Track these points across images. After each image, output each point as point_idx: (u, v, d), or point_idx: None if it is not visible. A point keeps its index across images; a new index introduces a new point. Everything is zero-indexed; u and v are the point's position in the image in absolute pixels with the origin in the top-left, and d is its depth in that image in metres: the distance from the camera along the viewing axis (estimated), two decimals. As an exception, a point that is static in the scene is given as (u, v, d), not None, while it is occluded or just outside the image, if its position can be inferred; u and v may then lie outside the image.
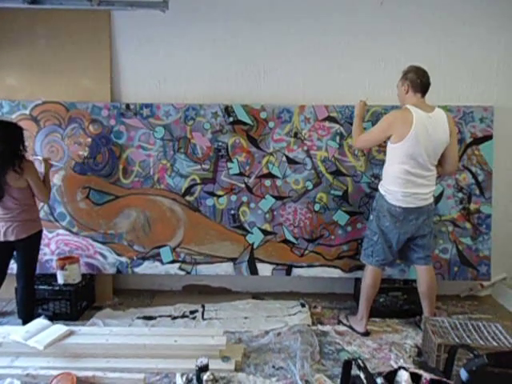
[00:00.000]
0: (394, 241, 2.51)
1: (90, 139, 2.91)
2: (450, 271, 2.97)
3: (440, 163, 2.48)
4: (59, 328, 2.34)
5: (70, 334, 2.33)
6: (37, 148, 2.93)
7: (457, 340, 2.16)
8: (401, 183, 2.41)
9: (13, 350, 2.25)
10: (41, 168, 2.66)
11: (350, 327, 2.70)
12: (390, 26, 3.00)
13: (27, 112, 2.92)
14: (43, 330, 2.33)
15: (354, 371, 1.59)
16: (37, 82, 2.99)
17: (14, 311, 2.85)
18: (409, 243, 2.56)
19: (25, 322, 2.52)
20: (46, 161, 2.68)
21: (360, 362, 1.47)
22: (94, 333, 2.38)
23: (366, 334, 2.63)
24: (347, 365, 1.57)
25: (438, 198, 2.89)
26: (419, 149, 2.33)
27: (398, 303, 2.89)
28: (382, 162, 2.81)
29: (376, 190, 2.78)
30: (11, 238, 2.46)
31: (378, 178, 2.89)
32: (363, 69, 3.03)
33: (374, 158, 2.92)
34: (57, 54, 2.98)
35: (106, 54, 3.01)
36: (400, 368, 1.50)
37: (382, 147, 2.86)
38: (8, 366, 2.19)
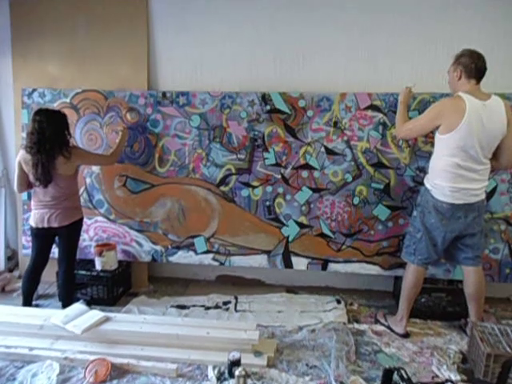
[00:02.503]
0: (439, 239, 2.35)
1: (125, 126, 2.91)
2: (500, 273, 2.75)
3: (495, 156, 2.27)
4: (96, 314, 2.39)
5: (106, 320, 2.36)
6: (76, 136, 2.98)
7: (508, 349, 1.99)
8: (449, 177, 2.23)
9: (53, 332, 2.32)
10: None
11: (389, 327, 2.58)
12: (440, 5, 2.76)
13: (68, 100, 2.97)
14: (81, 315, 2.38)
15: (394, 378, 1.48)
16: (77, 71, 3.03)
17: (55, 294, 2.96)
18: (456, 242, 2.39)
19: (64, 305, 2.60)
20: (124, 129, 2.84)
21: (403, 372, 1.37)
22: (129, 320, 2.41)
23: (406, 335, 2.49)
24: (388, 374, 1.47)
25: (490, 194, 2.67)
26: (471, 140, 2.14)
27: (441, 304, 2.72)
28: (429, 155, 2.65)
29: (421, 184, 2.61)
30: (54, 225, 2.52)
31: (423, 171, 2.71)
32: (410, 53, 2.82)
33: (420, 150, 2.74)
34: (96, 43, 3.00)
35: (143, 41, 2.98)
36: (447, 381, 1.38)
37: (429, 138, 2.67)
38: (48, 348, 2.26)
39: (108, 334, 2.29)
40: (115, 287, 2.91)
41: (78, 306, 2.48)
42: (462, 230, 2.31)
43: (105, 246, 2.90)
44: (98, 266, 2.88)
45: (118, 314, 2.48)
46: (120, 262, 2.99)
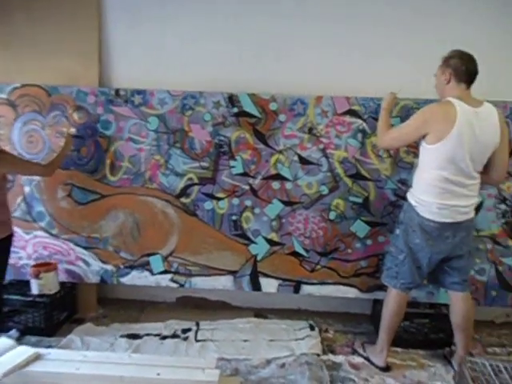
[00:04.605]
0: (424, 261, 2.10)
1: (73, 129, 2.53)
2: (486, 296, 2.54)
3: (485, 170, 2.04)
4: (24, 351, 1.97)
5: (36, 358, 1.97)
6: (14, 137, 2.57)
7: (503, 391, 1.74)
8: (437, 193, 1.98)
9: (-30, 375, 1.91)
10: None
11: (367, 359, 2.30)
12: (426, 3, 2.55)
13: (4, 96, 2.56)
14: (6, 352, 1.97)
15: None
16: (14, 63, 2.61)
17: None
18: (442, 265, 2.14)
19: (-9, 337, 2.19)
20: (68, 136, 2.46)
21: None
22: (65, 358, 2.00)
23: (387, 369, 2.23)
24: None
25: (476, 210, 2.43)
26: (462, 152, 1.90)
27: (423, 331, 2.47)
28: (411, 166, 2.42)
29: (403, 198, 2.37)
30: (-24, 243, 2.11)
31: (405, 184, 2.47)
32: (393, 55, 2.58)
33: (402, 161, 2.49)
34: (37, 30, 2.59)
35: (93, 31, 2.61)
36: None
37: (411, 147, 2.43)
38: (-39, 395, 1.85)
39: (36, 378, 1.89)
40: (56, 314, 2.51)
41: (4, 341, 2.07)
42: (450, 251, 2.07)
43: (43, 267, 2.49)
44: (35, 290, 2.47)
45: (52, 351, 2.07)
46: (63, 283, 2.60)
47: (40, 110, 2.56)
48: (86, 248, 2.63)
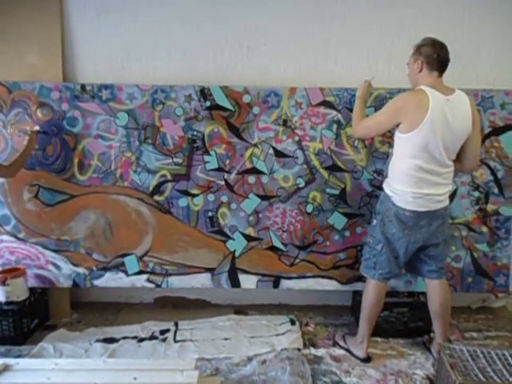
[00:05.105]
0: (401, 251, 2.10)
1: (37, 127, 2.41)
2: (462, 282, 2.57)
3: (458, 158, 2.05)
4: (-10, 362, 1.88)
5: (4, 369, 1.87)
6: (-27, 137, 2.43)
7: (481, 377, 1.76)
8: (411, 182, 1.98)
9: None
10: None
11: (348, 351, 2.30)
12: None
13: (-40, 93, 2.41)
14: (-29, 365, 1.87)
15: None
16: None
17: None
18: (419, 253, 2.15)
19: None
20: (32, 134, 2.36)
21: None
22: (35, 367, 1.91)
23: (367, 359, 2.23)
24: None
25: (450, 198, 2.46)
26: (435, 140, 1.90)
27: (402, 320, 2.48)
28: (386, 156, 2.42)
29: (379, 188, 2.37)
30: None
31: (381, 174, 2.46)
32: (366, 45, 2.57)
33: (377, 151, 2.48)
34: (-6, 22, 2.46)
35: (56, 23, 2.49)
36: None
37: (386, 137, 2.43)
38: None
39: (4, 390, 1.80)
40: (26, 321, 2.40)
41: (-32, 353, 1.97)
42: (426, 240, 2.08)
43: (10, 273, 2.37)
44: (2, 298, 2.35)
45: (23, 360, 1.99)
46: (32, 289, 2.48)
47: (0, 107, 2.43)
48: (55, 251, 2.52)
